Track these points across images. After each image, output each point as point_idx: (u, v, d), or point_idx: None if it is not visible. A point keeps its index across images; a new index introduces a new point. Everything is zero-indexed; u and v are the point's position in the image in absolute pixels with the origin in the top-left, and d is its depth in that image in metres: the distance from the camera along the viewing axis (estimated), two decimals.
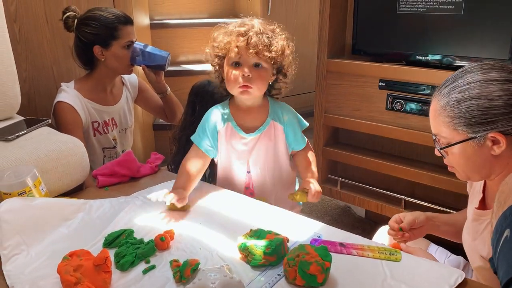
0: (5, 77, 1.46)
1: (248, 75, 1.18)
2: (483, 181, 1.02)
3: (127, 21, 1.67)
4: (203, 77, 1.61)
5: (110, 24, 1.62)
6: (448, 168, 1.04)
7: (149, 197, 1.19)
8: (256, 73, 1.19)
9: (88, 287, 0.86)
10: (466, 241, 1.07)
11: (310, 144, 1.40)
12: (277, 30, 1.24)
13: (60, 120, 1.61)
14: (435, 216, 1.20)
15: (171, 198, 1.15)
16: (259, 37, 1.17)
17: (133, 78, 1.88)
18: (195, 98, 1.52)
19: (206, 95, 1.52)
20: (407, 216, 1.15)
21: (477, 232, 1.00)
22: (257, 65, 1.19)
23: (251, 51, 1.17)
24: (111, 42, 1.63)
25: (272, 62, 1.21)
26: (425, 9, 1.53)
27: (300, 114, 1.36)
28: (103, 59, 1.64)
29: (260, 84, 1.21)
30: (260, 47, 1.17)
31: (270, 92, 1.32)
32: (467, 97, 0.89)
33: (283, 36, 1.24)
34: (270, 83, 1.27)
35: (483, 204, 1.03)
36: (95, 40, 1.62)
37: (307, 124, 1.35)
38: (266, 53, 1.18)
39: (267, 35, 1.19)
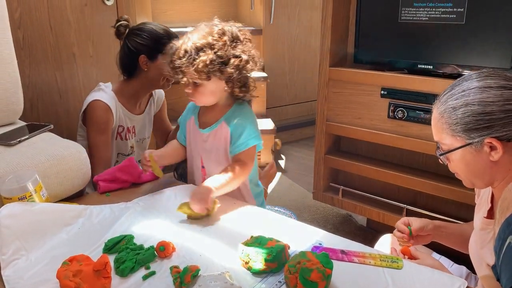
0: (8, 82, 1.47)
1: (189, 91, 1.27)
2: (490, 191, 1.02)
3: (175, 36, 1.71)
4: None
5: (159, 38, 1.66)
6: (455, 175, 1.04)
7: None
8: (195, 90, 1.26)
9: None
10: (473, 249, 1.06)
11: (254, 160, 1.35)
12: (211, 40, 1.21)
13: (94, 118, 1.61)
14: (443, 225, 1.20)
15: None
16: (181, 61, 1.21)
17: (161, 93, 1.91)
18: None
19: None
20: (416, 222, 1.16)
21: (484, 241, 1.01)
22: (194, 82, 1.24)
23: (178, 76, 1.25)
24: (157, 55, 1.67)
25: (207, 76, 1.21)
26: (427, 18, 1.54)
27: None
28: (146, 69, 1.67)
29: (201, 97, 1.28)
30: (184, 69, 1.22)
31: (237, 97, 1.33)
32: (462, 103, 0.92)
33: (220, 44, 1.21)
34: (229, 90, 1.28)
35: (491, 214, 1.03)
36: (143, 50, 1.66)
37: (257, 143, 1.30)
38: (193, 74, 1.21)
39: (190, 55, 1.20)
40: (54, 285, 0.90)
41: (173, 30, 2.72)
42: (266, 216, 1.23)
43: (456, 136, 0.94)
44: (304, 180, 2.64)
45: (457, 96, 0.93)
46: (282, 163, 2.94)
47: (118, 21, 1.72)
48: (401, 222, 1.18)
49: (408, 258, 1.08)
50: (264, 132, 2.52)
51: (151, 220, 1.18)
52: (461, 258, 1.23)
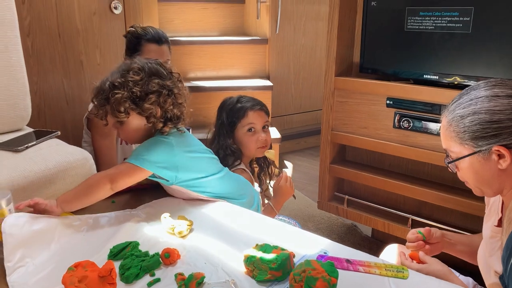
0: (17, 89, 1.49)
1: (114, 130, 1.28)
2: (501, 200, 1.02)
3: (154, 39, 1.75)
4: (210, 94, 1.66)
5: (136, 38, 1.72)
6: (465, 184, 1.05)
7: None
8: (119, 129, 1.25)
9: None
10: (481, 258, 1.06)
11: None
12: (128, 77, 1.20)
13: (96, 122, 1.62)
14: (450, 234, 1.21)
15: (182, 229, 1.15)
16: (98, 99, 1.21)
17: None
18: (218, 112, 1.60)
19: (221, 109, 1.57)
20: (424, 229, 1.17)
21: (493, 249, 1.01)
22: (117, 121, 1.22)
23: (102, 114, 1.23)
24: (132, 55, 1.71)
25: (124, 113, 1.19)
26: (433, 27, 1.54)
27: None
28: None
29: (126, 135, 1.27)
30: (104, 107, 1.21)
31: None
32: (469, 112, 0.93)
33: (135, 80, 1.20)
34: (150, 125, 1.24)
35: (501, 222, 1.03)
36: (127, 52, 1.69)
37: (133, 162, 1.20)
38: (111, 112, 1.20)
39: (105, 93, 1.19)
40: None
41: (180, 39, 2.77)
42: (271, 224, 1.23)
43: (464, 144, 0.95)
44: (308, 190, 2.64)
45: (464, 105, 0.95)
46: (289, 172, 2.93)
47: (129, 30, 1.76)
48: (410, 234, 1.18)
49: (417, 262, 1.08)
50: None
51: (156, 227, 1.18)
52: (468, 269, 1.22)
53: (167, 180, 1.25)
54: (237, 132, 1.56)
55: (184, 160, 1.26)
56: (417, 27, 1.58)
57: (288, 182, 1.55)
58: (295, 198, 1.66)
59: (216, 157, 1.41)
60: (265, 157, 1.66)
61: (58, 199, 1.16)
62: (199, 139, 1.47)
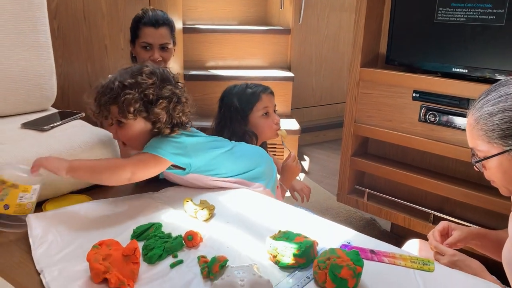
0: (43, 69, 1.50)
1: (112, 132, 1.25)
2: None
3: (150, 23, 1.71)
4: (230, 83, 1.65)
5: (134, 22, 1.71)
6: (491, 183, 1.01)
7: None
8: (119, 130, 1.22)
9: (116, 276, 0.86)
10: (506, 258, 1.03)
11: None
12: (139, 80, 1.17)
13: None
14: (482, 234, 1.17)
15: (204, 214, 1.14)
16: (105, 98, 1.18)
17: None
18: (223, 99, 1.57)
19: (229, 96, 1.56)
20: (456, 234, 1.13)
21: None
22: (117, 121, 1.20)
23: (103, 114, 1.20)
24: (135, 40, 1.70)
25: (132, 114, 1.17)
26: (464, 19, 1.50)
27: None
28: (135, 55, 1.70)
29: (125, 138, 1.23)
30: (108, 107, 1.18)
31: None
32: (499, 109, 0.90)
33: (148, 84, 1.18)
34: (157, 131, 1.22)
35: None
36: (131, 38, 1.68)
37: (153, 152, 1.19)
38: (117, 112, 1.17)
39: (114, 92, 1.16)
40: (83, 267, 0.90)
41: (202, 27, 2.76)
42: (294, 212, 1.22)
43: (492, 143, 0.91)
44: (326, 183, 2.62)
45: (493, 102, 0.91)
46: (305, 164, 2.92)
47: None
48: (441, 226, 1.15)
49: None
50: (288, 132, 2.48)
51: (178, 210, 1.18)
52: (493, 269, 1.19)
53: (183, 169, 1.25)
54: (251, 116, 1.56)
55: (193, 145, 1.25)
56: (448, 18, 1.54)
57: (295, 161, 1.60)
58: (300, 178, 1.72)
59: (219, 137, 1.42)
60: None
61: (71, 165, 1.12)
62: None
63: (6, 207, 1.05)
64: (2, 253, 1.00)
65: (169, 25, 1.77)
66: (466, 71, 1.53)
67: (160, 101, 1.18)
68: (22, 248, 1.01)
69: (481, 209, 1.59)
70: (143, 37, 1.71)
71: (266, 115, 1.57)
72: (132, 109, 1.16)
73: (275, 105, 1.62)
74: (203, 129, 1.41)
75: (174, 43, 1.82)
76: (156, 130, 1.22)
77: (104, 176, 1.15)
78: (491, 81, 1.44)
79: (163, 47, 1.74)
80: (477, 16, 1.47)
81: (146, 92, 1.17)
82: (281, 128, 1.61)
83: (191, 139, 1.27)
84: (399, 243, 1.44)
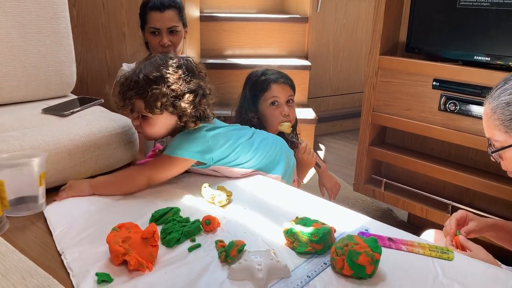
0: (64, 55, 1.51)
1: (136, 124, 1.23)
2: None
3: (155, 7, 1.68)
4: (247, 72, 1.64)
5: (142, 7, 1.69)
6: (508, 173, 0.99)
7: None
8: (143, 122, 1.21)
9: (135, 258, 0.87)
10: None
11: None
12: (165, 73, 1.16)
13: None
14: (499, 226, 1.14)
15: (221, 199, 1.14)
16: (130, 92, 1.17)
17: None
18: (244, 85, 1.56)
19: (246, 82, 1.55)
20: (472, 224, 1.11)
21: None
22: (142, 115, 1.20)
23: (127, 108, 1.20)
24: (144, 25, 1.70)
25: (159, 110, 1.16)
26: (488, 4, 1.46)
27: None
28: (146, 41, 1.70)
29: (150, 129, 1.22)
30: (133, 101, 1.18)
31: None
32: None
33: (174, 78, 1.17)
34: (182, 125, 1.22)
35: None
36: (141, 24, 1.69)
37: (182, 156, 1.21)
38: (143, 107, 1.17)
39: (141, 87, 1.15)
40: (103, 249, 0.92)
41: (219, 15, 2.75)
42: (311, 199, 1.22)
43: (510, 133, 0.90)
44: (343, 172, 2.61)
45: (511, 91, 0.89)
46: (321, 154, 2.91)
47: None
48: (459, 215, 1.13)
49: (457, 247, 1.04)
50: (304, 121, 2.50)
51: (196, 196, 1.19)
52: (510, 260, 1.18)
53: (205, 164, 1.25)
54: (260, 105, 1.53)
55: (214, 138, 1.25)
56: (471, 3, 1.50)
57: (306, 153, 1.54)
58: (319, 167, 1.66)
59: (238, 125, 1.39)
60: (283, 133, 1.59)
61: (92, 183, 1.17)
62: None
63: None
64: (23, 234, 1.02)
65: (176, 6, 1.72)
66: (489, 59, 1.50)
67: (187, 95, 1.18)
68: (43, 229, 1.03)
69: (501, 200, 1.56)
70: (151, 22, 1.68)
71: (274, 105, 1.53)
72: (159, 104, 1.15)
73: (291, 95, 1.57)
74: (222, 118, 1.40)
75: (185, 25, 1.77)
76: (181, 124, 1.21)
77: (122, 186, 1.19)
78: None
79: (172, 31, 1.70)
80: (502, 1, 1.43)
81: (173, 87, 1.16)
82: (285, 122, 1.54)
83: (212, 132, 1.26)
84: (416, 233, 1.41)
